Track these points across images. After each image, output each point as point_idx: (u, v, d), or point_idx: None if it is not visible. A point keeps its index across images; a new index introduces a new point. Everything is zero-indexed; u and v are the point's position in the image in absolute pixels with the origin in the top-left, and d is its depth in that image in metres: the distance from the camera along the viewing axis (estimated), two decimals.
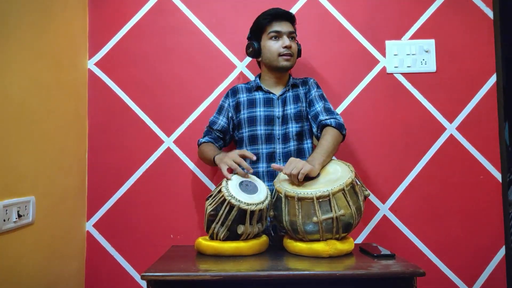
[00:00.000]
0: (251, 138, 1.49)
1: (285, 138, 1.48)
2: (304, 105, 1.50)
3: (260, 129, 1.48)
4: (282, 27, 1.46)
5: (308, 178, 1.21)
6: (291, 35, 1.48)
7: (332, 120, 1.38)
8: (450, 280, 1.63)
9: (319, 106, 1.45)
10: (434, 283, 1.62)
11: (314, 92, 1.50)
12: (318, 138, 1.40)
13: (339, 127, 1.38)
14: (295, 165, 1.20)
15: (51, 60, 1.45)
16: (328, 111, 1.44)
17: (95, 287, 1.67)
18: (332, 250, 1.12)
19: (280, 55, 1.45)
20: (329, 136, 1.34)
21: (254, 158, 1.33)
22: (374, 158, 1.69)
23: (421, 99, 1.70)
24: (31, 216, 1.28)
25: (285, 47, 1.44)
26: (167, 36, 1.74)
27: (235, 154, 1.32)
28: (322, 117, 1.41)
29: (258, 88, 1.54)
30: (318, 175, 1.22)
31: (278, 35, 1.46)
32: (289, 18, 1.49)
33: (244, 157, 1.32)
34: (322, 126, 1.40)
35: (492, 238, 1.64)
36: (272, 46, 1.46)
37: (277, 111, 1.50)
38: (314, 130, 1.45)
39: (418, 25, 1.72)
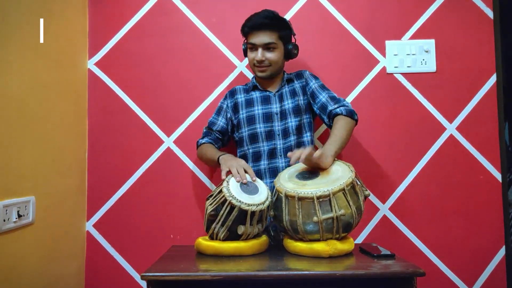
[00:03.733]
0: (252, 137, 1.49)
1: (285, 133, 1.48)
2: (301, 98, 1.51)
3: (260, 127, 1.49)
4: (258, 38, 1.44)
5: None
6: (268, 46, 1.44)
7: (342, 108, 1.39)
8: (450, 280, 1.63)
9: (323, 96, 1.46)
10: (434, 283, 1.62)
11: (313, 84, 1.50)
12: (331, 128, 1.41)
13: (350, 114, 1.38)
14: (307, 149, 1.19)
15: (51, 60, 1.45)
16: (334, 99, 1.45)
17: (95, 287, 1.67)
18: (332, 250, 1.12)
19: (255, 65, 1.47)
20: (340, 125, 1.34)
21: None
22: (374, 158, 1.69)
23: (421, 99, 1.70)
24: (31, 216, 1.28)
25: (257, 60, 1.45)
26: (167, 36, 1.74)
27: (243, 162, 1.32)
28: (331, 107, 1.42)
29: (255, 88, 1.55)
30: (319, 174, 1.22)
31: (253, 47, 1.46)
32: (270, 26, 1.43)
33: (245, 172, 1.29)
34: (333, 116, 1.41)
35: (492, 238, 1.64)
36: (249, 56, 1.49)
37: (275, 107, 1.50)
38: (326, 121, 1.45)
39: (418, 25, 1.72)
